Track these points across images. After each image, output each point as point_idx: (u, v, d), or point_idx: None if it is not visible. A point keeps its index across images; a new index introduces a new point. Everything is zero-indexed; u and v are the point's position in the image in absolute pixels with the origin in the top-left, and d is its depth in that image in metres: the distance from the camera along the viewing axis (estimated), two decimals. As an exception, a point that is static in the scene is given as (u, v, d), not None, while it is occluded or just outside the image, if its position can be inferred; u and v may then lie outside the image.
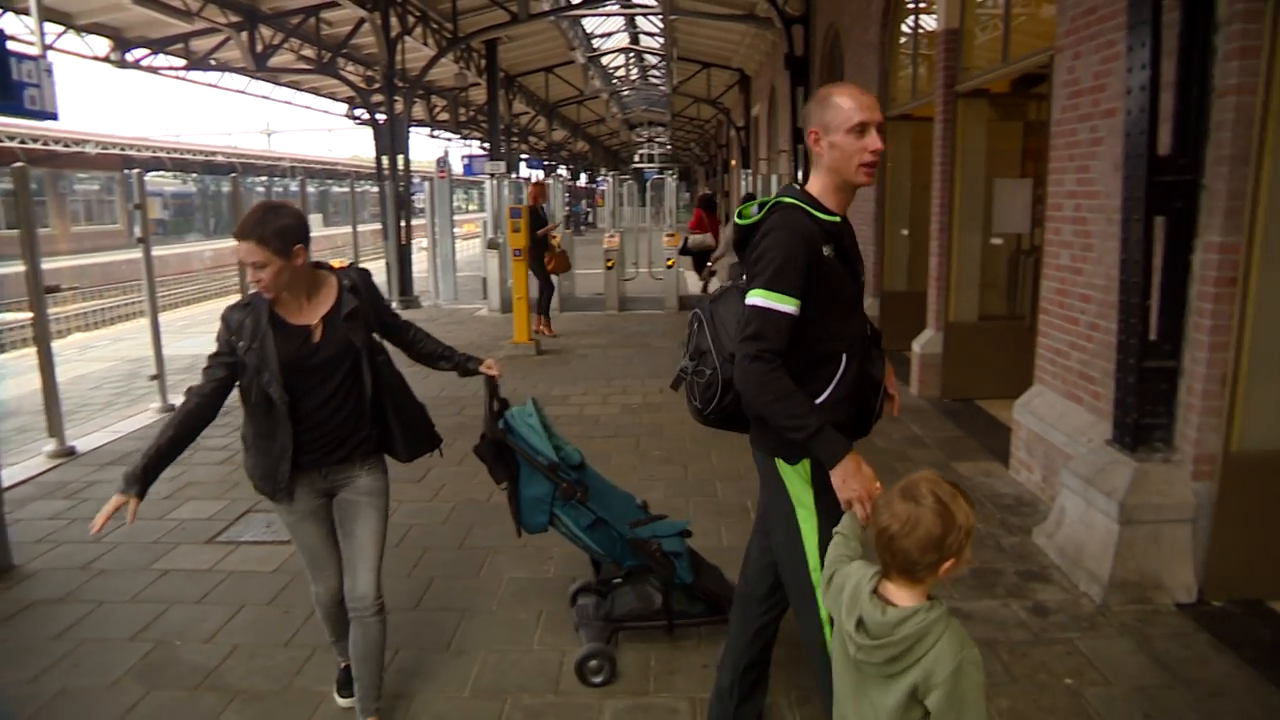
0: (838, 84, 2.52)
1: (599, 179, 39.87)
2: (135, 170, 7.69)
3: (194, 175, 39.84)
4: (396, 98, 14.55)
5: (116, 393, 9.08)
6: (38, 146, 27.87)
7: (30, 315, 6.24)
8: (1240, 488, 3.89)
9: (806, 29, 13.93)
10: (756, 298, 2.32)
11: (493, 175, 15.50)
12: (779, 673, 3.44)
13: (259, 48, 14.32)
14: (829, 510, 2.38)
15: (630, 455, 6.37)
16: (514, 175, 19.29)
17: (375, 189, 16.78)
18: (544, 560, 4.52)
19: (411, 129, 17.98)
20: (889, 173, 10.03)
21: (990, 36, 7.32)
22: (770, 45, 18.56)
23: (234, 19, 13.77)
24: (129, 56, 14.20)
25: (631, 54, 26.97)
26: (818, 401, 2.38)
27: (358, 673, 3.08)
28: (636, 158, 53.28)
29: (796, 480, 2.47)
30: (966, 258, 7.50)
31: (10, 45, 6.00)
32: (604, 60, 26.96)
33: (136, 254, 7.84)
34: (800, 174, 14.11)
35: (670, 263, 13.93)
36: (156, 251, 8.06)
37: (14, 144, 26.27)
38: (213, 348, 2.90)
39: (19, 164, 6.04)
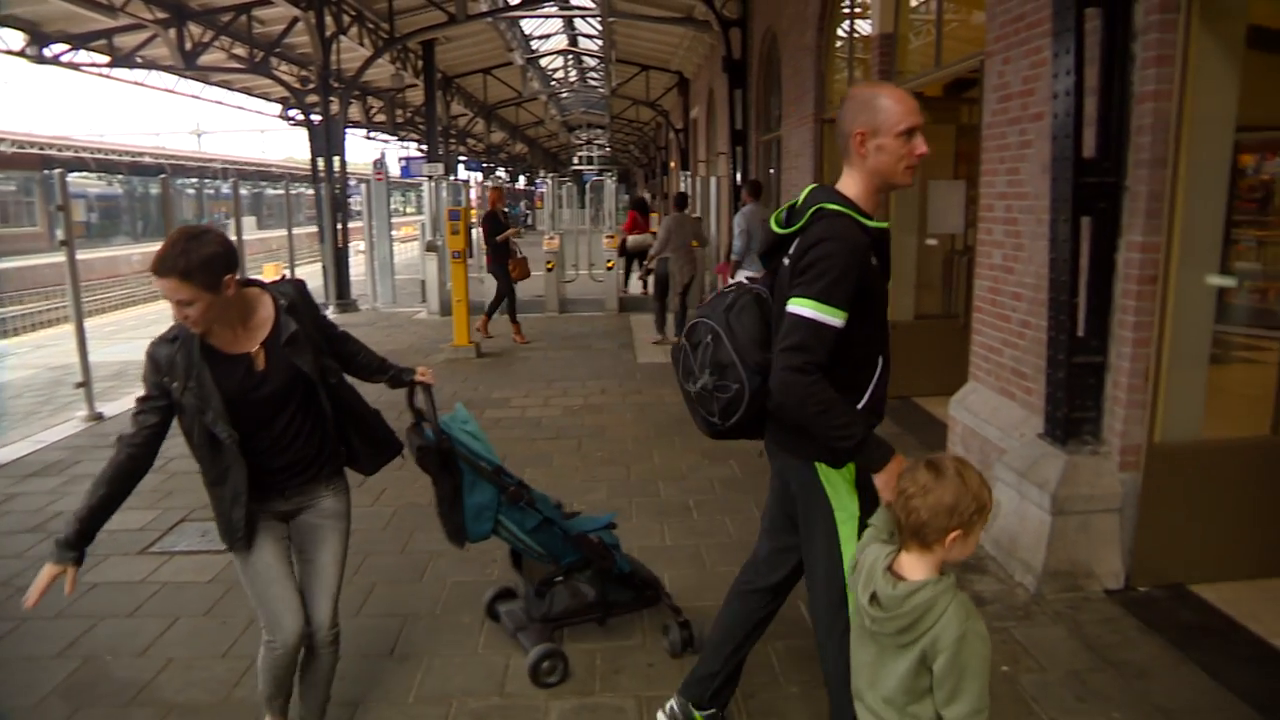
0: (879, 85, 2.55)
1: (538, 181, 39.73)
2: (57, 170, 7.43)
3: (120, 176, 38.62)
4: (332, 98, 14.30)
5: (39, 401, 8.78)
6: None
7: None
8: (1162, 477, 4.04)
9: (744, 32, 14.08)
10: (805, 308, 2.26)
11: (431, 177, 15.36)
12: (724, 669, 3.48)
13: (188, 45, 13.87)
14: (870, 512, 2.42)
15: (572, 457, 6.37)
16: (452, 177, 19.15)
17: (311, 191, 16.46)
18: (486, 564, 4.48)
19: (347, 130, 17.66)
20: (826, 175, 10.18)
21: (923, 41, 7.49)
22: (708, 48, 18.70)
23: (160, 15, 13.28)
24: (47, 52, 13.56)
25: (570, 56, 26.95)
26: (859, 405, 2.40)
27: (305, 696, 2.93)
28: (576, 160, 53.21)
29: (840, 484, 2.47)
30: (903, 258, 7.65)
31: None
32: (542, 62, 26.88)
33: (60, 257, 7.58)
34: (738, 176, 14.25)
35: (610, 264, 13.95)
36: (81, 255, 7.80)
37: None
38: (140, 386, 2.59)
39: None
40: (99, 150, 37.67)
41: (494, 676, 3.49)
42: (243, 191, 16.72)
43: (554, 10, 18.29)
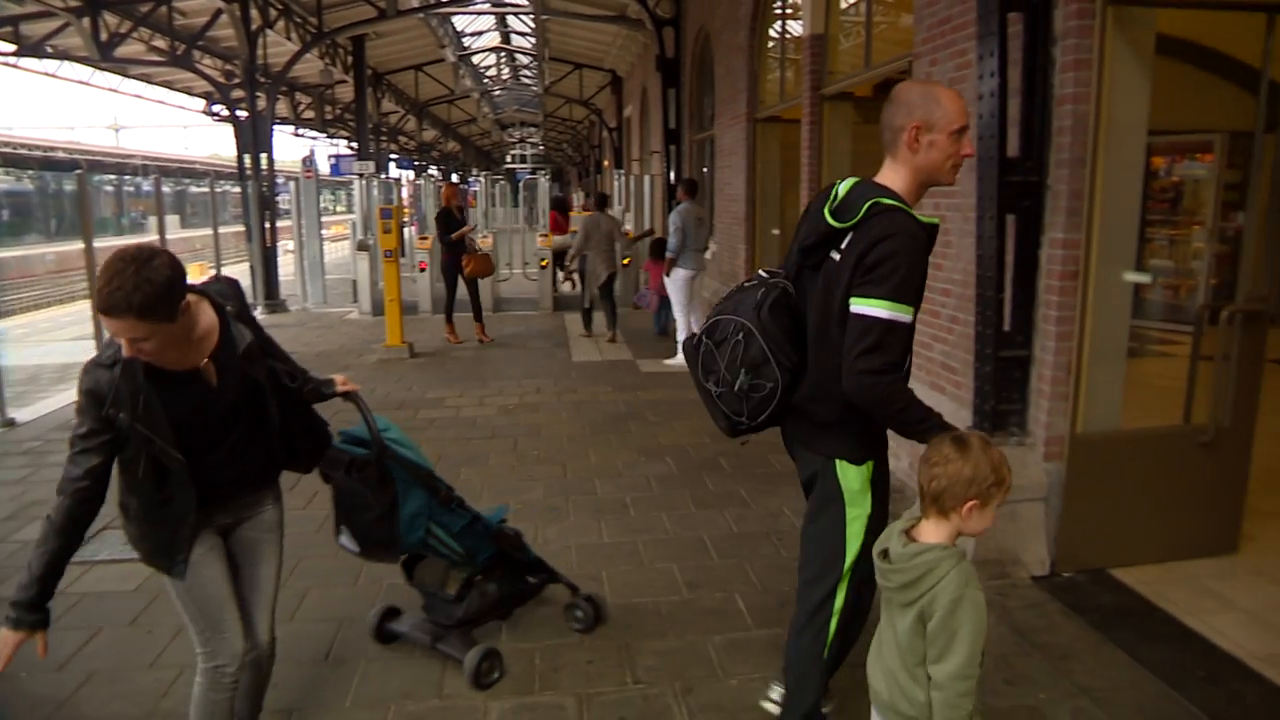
0: (930, 83, 2.61)
1: (471, 179, 39.33)
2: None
3: (31, 172, 37.04)
4: (259, 94, 13.91)
5: (-54, 407, 8.36)
6: None
7: None
8: (1084, 467, 4.18)
9: (677, 31, 14.16)
10: (877, 308, 2.26)
11: (361, 175, 15.07)
12: (661, 663, 3.50)
13: (103, 36, 13.25)
14: (879, 509, 2.54)
15: (508, 456, 6.33)
16: (384, 175, 18.81)
17: (237, 189, 16.02)
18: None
19: (275, 127, 17.22)
20: (758, 173, 10.30)
21: (854, 43, 7.63)
22: (642, 47, 18.76)
23: (73, 3, 12.63)
24: (-57, 39, 12.93)
25: (503, 54, 26.72)
26: None
27: (236, 707, 2.74)
28: (509, 158, 52.78)
29: (856, 481, 2.52)
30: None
31: None
32: (475, 59, 26.61)
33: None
34: (672, 175, 14.32)
35: (544, 263, 13.88)
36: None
37: None
38: (77, 419, 2.28)
39: None
40: (7, 144, 36.07)
41: (431, 679, 3.44)
42: (165, 189, 16.19)
43: (486, 7, 18.12)
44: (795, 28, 9.02)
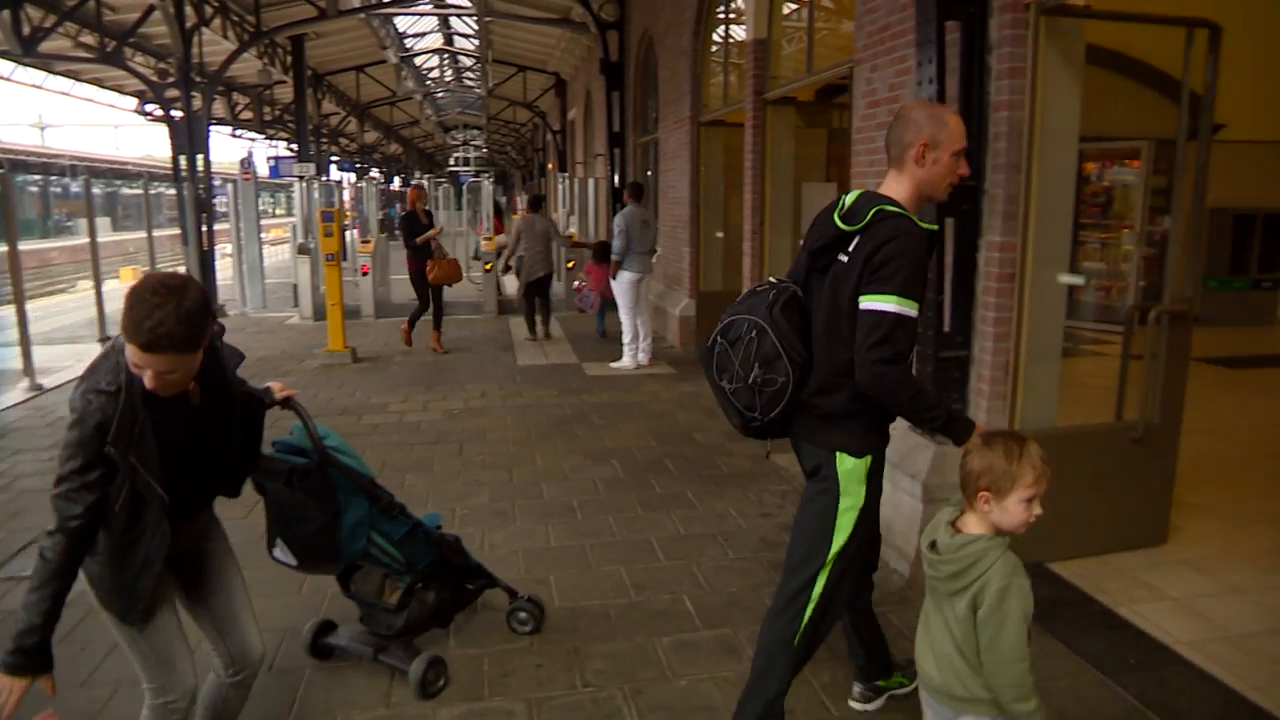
0: (938, 105, 2.70)
1: (413, 182, 38.90)
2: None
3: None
4: (194, 93, 13.57)
5: None
6: None
7: None
8: (1022, 464, 4.28)
9: (621, 35, 14.18)
10: (886, 303, 2.39)
11: (302, 177, 14.82)
12: (610, 665, 3.49)
13: (25, 30, 12.69)
14: (872, 504, 2.66)
15: (453, 461, 6.27)
16: (324, 178, 18.52)
17: (172, 191, 15.63)
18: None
19: (212, 127, 16.83)
20: (703, 177, 10.37)
21: (796, 48, 7.73)
22: (586, 50, 18.74)
23: (-7, -5, 12.18)
24: None
25: (446, 55, 26.51)
26: None
27: None
28: (452, 161, 52.35)
29: (854, 475, 2.61)
30: (778, 259, 7.86)
31: None
32: (417, 61, 26.35)
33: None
34: (616, 178, 14.34)
35: (488, 266, 13.78)
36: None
37: None
38: (72, 450, 2.06)
39: None
40: (-76, 144, 34.70)
41: (378, 688, 3.39)
42: (96, 190, 15.71)
43: (429, 9, 17.93)
44: (738, 32, 9.10)
